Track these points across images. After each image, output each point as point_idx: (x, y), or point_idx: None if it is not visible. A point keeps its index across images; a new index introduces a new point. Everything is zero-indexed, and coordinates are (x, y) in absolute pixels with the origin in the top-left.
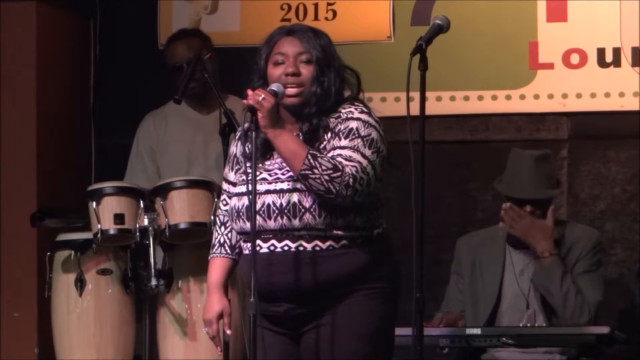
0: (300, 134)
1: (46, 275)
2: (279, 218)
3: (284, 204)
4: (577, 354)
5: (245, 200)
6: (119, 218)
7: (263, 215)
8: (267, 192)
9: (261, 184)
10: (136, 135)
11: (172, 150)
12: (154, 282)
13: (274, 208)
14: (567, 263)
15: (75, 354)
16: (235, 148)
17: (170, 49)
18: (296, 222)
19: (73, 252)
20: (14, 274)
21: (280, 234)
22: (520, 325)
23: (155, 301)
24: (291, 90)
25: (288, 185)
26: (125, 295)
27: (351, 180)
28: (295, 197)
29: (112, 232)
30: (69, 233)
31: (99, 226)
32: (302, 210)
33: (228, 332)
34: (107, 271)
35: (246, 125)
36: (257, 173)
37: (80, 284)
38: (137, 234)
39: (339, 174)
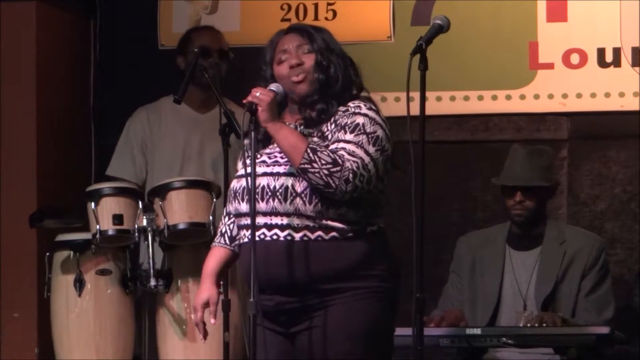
0: (303, 121)
1: (45, 275)
2: (270, 200)
3: (277, 187)
4: (577, 354)
5: (242, 182)
6: (117, 219)
7: (257, 196)
8: (264, 174)
9: (260, 166)
10: (127, 127)
11: (166, 147)
12: (153, 282)
13: (267, 190)
14: (571, 277)
15: (75, 354)
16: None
17: (200, 33)
18: (286, 206)
19: (72, 252)
20: (14, 274)
21: (270, 219)
22: (521, 325)
23: (155, 301)
24: (297, 78)
25: (285, 169)
26: (125, 296)
27: (351, 175)
28: (289, 181)
29: (110, 232)
30: (68, 233)
31: (98, 227)
32: (294, 194)
33: (212, 320)
34: (106, 271)
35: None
36: (258, 156)
37: (80, 284)
38: (136, 234)
39: (338, 168)
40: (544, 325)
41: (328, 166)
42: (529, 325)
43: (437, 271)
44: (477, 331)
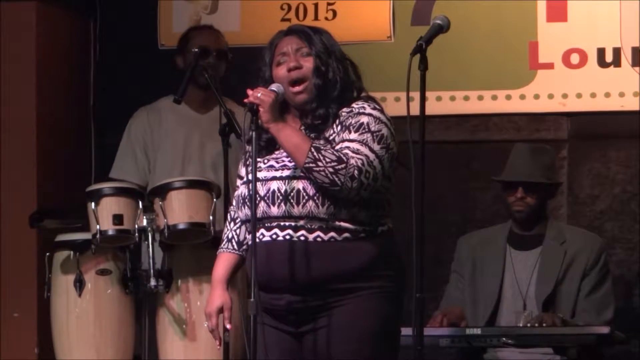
0: (303, 127)
1: (45, 275)
2: (282, 204)
3: (289, 191)
4: (577, 354)
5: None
6: (117, 219)
7: (267, 201)
8: (273, 178)
9: (268, 170)
10: (128, 127)
11: (167, 147)
12: (153, 282)
13: (278, 194)
14: (572, 277)
15: (75, 354)
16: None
17: (199, 33)
18: (299, 210)
19: (72, 252)
20: (14, 274)
21: (283, 221)
22: (520, 325)
23: (155, 301)
24: (297, 88)
25: (294, 172)
26: (125, 296)
27: (356, 172)
28: (300, 185)
29: (110, 232)
30: (68, 233)
31: (98, 227)
32: (306, 197)
33: (228, 326)
34: (106, 271)
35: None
36: (265, 161)
37: (80, 284)
38: (136, 234)
39: (343, 165)
40: (544, 325)
41: (333, 164)
42: (528, 325)
43: (437, 271)
44: (477, 331)
